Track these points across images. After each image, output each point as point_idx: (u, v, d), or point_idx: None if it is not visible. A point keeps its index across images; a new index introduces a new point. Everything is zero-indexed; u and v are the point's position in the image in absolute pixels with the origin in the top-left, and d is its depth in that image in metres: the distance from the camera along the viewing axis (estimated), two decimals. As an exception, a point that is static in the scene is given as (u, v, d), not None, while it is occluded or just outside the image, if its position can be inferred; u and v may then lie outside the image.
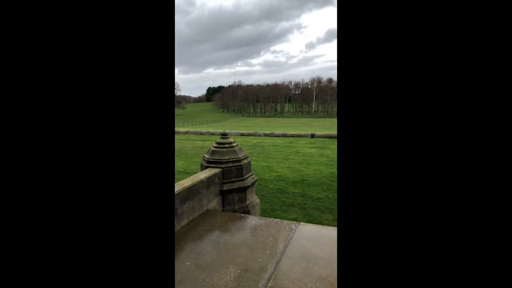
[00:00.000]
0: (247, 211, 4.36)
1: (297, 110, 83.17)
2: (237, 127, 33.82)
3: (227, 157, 4.19)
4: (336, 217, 5.08)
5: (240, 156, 4.28)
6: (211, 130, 23.28)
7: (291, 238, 3.00)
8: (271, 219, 3.54)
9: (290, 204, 5.77)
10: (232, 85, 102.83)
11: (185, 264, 2.58)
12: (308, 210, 5.40)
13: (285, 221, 3.43)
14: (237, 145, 4.44)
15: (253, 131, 20.19)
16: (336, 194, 6.36)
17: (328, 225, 4.76)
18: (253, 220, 3.50)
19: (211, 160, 4.21)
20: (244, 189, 4.28)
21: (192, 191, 3.53)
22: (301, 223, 3.39)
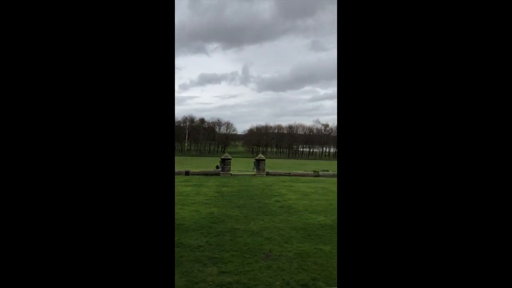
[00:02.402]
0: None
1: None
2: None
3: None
4: (222, 270, 4.11)
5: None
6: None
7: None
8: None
9: (162, 259, 4.38)
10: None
11: None
12: (186, 265, 4.21)
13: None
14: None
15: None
16: (217, 238, 5.47)
17: (213, 282, 3.72)
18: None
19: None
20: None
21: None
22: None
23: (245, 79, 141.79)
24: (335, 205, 8.59)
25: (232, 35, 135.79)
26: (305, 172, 17.27)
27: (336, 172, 17.06)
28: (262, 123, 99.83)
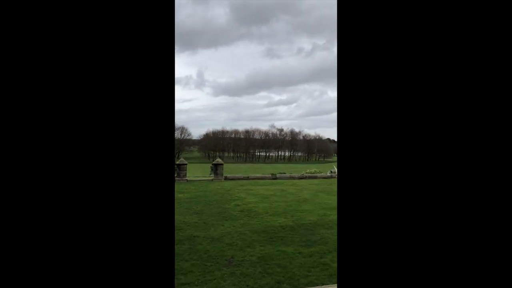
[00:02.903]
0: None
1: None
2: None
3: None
4: (181, 282, 3.80)
5: None
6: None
7: None
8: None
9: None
10: None
11: None
12: None
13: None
14: None
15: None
16: (175, 247, 5.10)
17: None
18: None
19: None
20: None
21: None
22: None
23: (200, 83, 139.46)
24: (294, 206, 8.71)
25: (186, 39, 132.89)
26: (263, 175, 17.38)
27: (292, 174, 17.50)
28: (218, 127, 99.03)
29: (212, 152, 73.49)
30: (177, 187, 13.08)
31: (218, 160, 16.87)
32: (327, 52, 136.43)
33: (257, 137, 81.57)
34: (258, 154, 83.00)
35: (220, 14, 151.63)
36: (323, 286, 3.65)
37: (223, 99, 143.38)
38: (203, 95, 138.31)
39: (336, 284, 3.25)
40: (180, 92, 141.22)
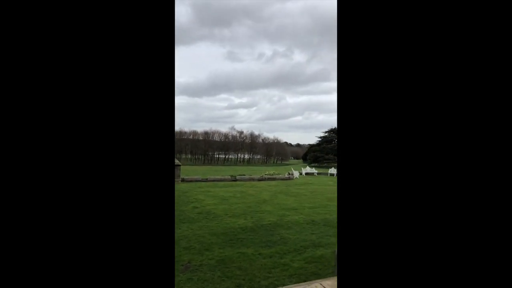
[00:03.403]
0: None
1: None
2: None
3: None
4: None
5: None
6: None
7: None
8: None
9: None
10: None
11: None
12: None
13: None
14: None
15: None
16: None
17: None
18: None
19: None
20: None
21: None
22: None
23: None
24: (254, 208, 8.65)
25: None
26: (222, 177, 17.10)
27: (252, 176, 17.49)
28: (176, 128, 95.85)
29: (168, 153, 70.68)
30: (129, 189, 12.19)
31: (175, 161, 16.18)
32: (286, 59, 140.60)
33: (216, 139, 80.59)
34: (217, 156, 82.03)
35: (181, 12, 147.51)
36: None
37: (182, 99, 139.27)
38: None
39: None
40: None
